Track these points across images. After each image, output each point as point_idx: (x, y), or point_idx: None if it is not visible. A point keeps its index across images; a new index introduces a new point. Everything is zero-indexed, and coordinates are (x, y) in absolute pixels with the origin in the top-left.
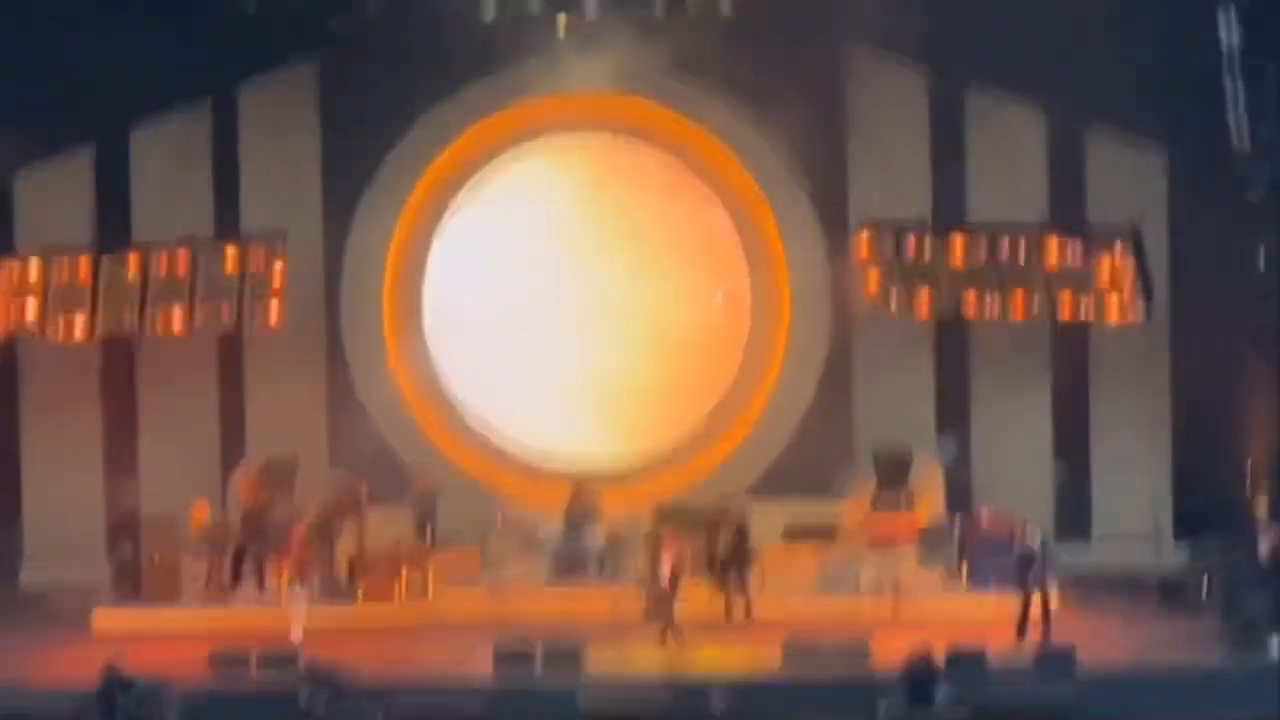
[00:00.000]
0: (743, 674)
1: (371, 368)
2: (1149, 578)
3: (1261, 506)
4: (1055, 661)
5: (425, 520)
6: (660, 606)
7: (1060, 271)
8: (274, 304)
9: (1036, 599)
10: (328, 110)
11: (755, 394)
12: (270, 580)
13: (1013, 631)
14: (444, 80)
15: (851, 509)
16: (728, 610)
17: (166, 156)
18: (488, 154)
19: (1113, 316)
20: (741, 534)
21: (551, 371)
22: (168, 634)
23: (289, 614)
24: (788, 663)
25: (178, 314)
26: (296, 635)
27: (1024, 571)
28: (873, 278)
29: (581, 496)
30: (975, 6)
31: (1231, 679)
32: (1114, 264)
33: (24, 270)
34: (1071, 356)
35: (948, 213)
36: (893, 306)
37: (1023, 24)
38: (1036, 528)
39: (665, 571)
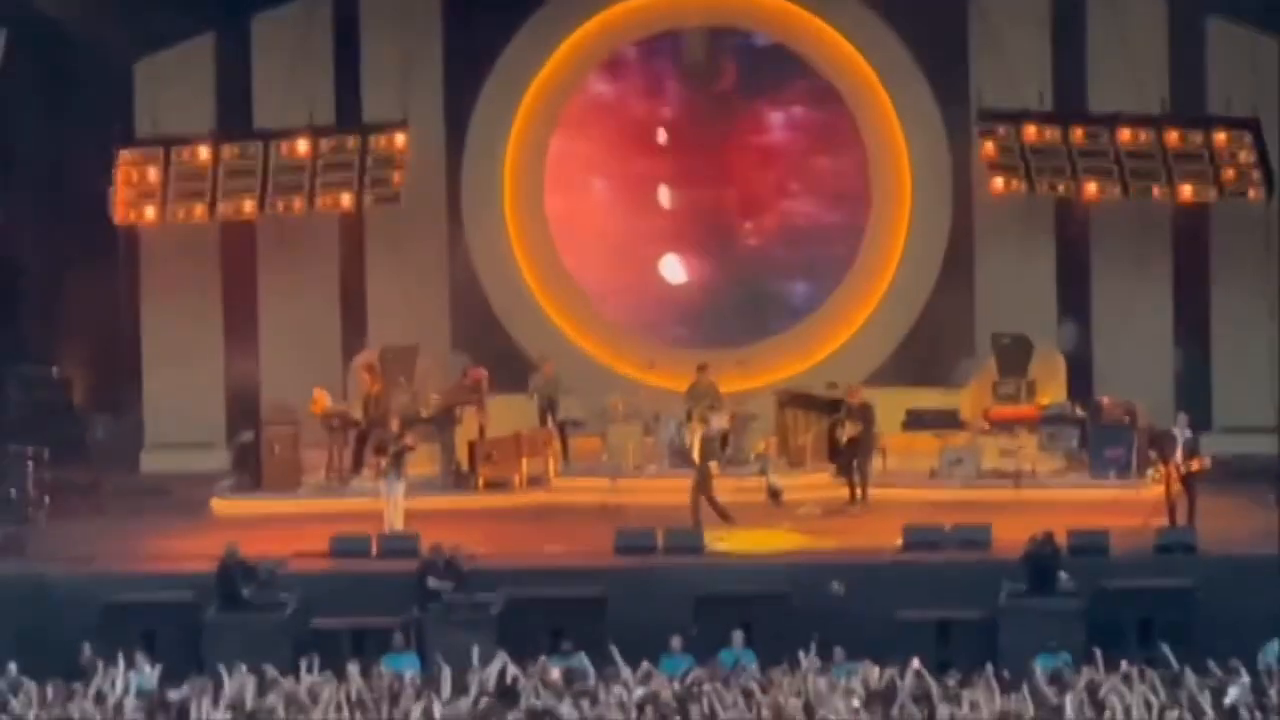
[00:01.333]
0: (864, 558)
1: (494, 254)
2: (1270, 466)
3: None
4: (1175, 548)
5: (547, 407)
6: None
7: (1180, 156)
8: (396, 175)
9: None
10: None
11: (876, 281)
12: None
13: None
14: None
15: (973, 397)
16: (851, 496)
17: (287, 44)
18: (608, 42)
19: (1233, 199)
20: (866, 420)
21: (672, 259)
22: (287, 521)
23: (386, 505)
24: (909, 548)
25: (299, 198)
26: (392, 525)
27: (1165, 451)
28: (993, 165)
29: (703, 381)
30: None
31: None
32: (1234, 150)
33: (145, 158)
34: (1192, 245)
35: (1068, 100)
36: (1013, 191)
37: None
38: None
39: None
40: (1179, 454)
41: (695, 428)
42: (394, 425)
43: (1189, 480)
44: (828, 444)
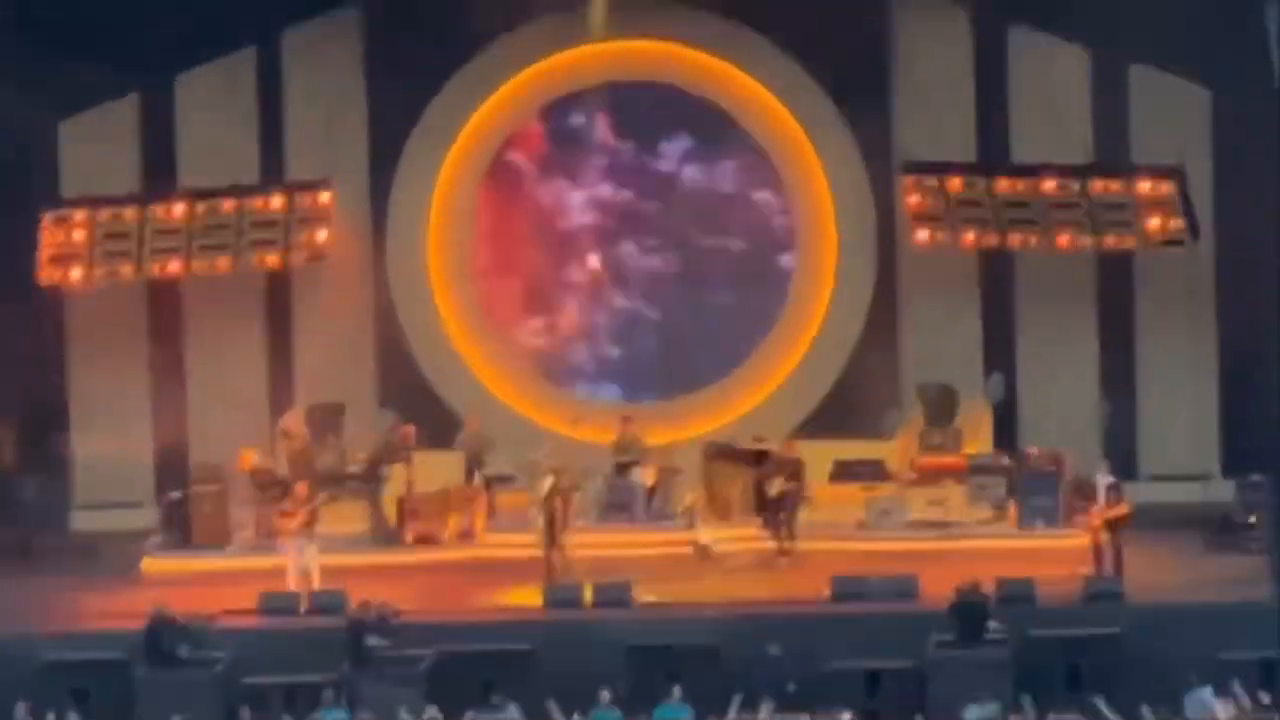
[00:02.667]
0: (793, 609)
1: (419, 311)
2: (1197, 514)
3: None
4: (1103, 597)
5: (474, 463)
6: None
7: (1104, 205)
8: (322, 234)
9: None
10: (372, 56)
11: (802, 333)
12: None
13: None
14: (488, 27)
15: (900, 448)
16: (779, 548)
17: (211, 103)
18: (532, 99)
19: (1157, 247)
20: (796, 475)
21: (598, 311)
22: (216, 578)
23: (294, 566)
24: (837, 598)
25: (224, 257)
26: (299, 585)
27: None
28: (918, 216)
29: (628, 433)
30: None
31: None
32: (1157, 199)
33: (70, 218)
34: (1117, 294)
35: (992, 151)
36: (938, 242)
37: None
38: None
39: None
40: (1101, 501)
41: (544, 481)
42: (302, 489)
43: (1112, 527)
44: (755, 496)
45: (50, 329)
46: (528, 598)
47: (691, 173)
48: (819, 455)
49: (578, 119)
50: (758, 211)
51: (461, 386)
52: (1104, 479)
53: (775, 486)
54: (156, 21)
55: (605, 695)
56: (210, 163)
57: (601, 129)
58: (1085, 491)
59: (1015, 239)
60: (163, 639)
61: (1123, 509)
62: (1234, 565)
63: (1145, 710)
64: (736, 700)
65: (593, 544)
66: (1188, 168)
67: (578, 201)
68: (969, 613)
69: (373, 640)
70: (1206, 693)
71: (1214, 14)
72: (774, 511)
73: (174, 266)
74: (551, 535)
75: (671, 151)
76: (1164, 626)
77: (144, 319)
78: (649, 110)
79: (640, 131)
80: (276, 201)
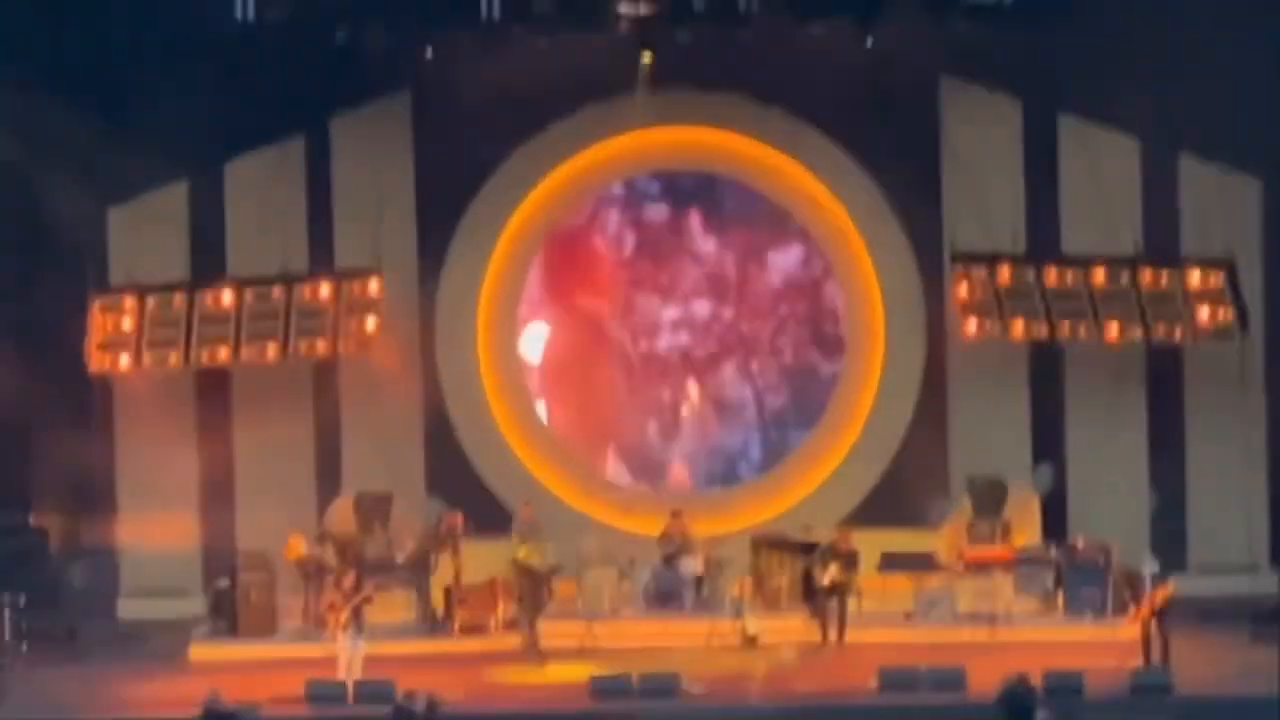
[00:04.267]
0: (840, 700)
1: (468, 398)
2: (1245, 606)
3: None
4: (1151, 689)
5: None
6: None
7: (1154, 297)
8: (371, 321)
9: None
10: (421, 143)
11: (851, 424)
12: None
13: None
14: (539, 115)
15: (947, 538)
16: (823, 637)
17: (260, 189)
18: (585, 185)
19: (1207, 339)
20: (852, 565)
21: (647, 401)
22: (264, 666)
23: (342, 655)
24: (884, 689)
25: (273, 345)
26: (346, 674)
27: (1135, 590)
28: (967, 307)
29: (676, 526)
30: (1068, 34)
31: None
32: (1208, 291)
33: (119, 305)
34: (1166, 385)
35: (1042, 242)
36: (987, 333)
37: (1116, 51)
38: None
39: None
40: (1148, 590)
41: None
42: (350, 579)
43: (1161, 616)
44: (804, 586)
45: (99, 416)
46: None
47: (743, 263)
48: (867, 545)
49: (627, 208)
50: (809, 302)
51: (510, 476)
52: (1149, 569)
53: (829, 575)
54: (206, 108)
55: None
56: (259, 250)
57: (651, 219)
58: (1132, 582)
59: (1064, 330)
60: None
61: (1168, 591)
62: None
63: None
64: None
65: (640, 634)
66: (1238, 258)
67: (623, 290)
68: (1017, 704)
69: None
70: None
71: (1264, 104)
72: (824, 600)
73: (222, 354)
74: (527, 615)
75: (722, 244)
76: (1211, 719)
77: (192, 406)
78: (698, 200)
79: (685, 220)
80: (325, 290)
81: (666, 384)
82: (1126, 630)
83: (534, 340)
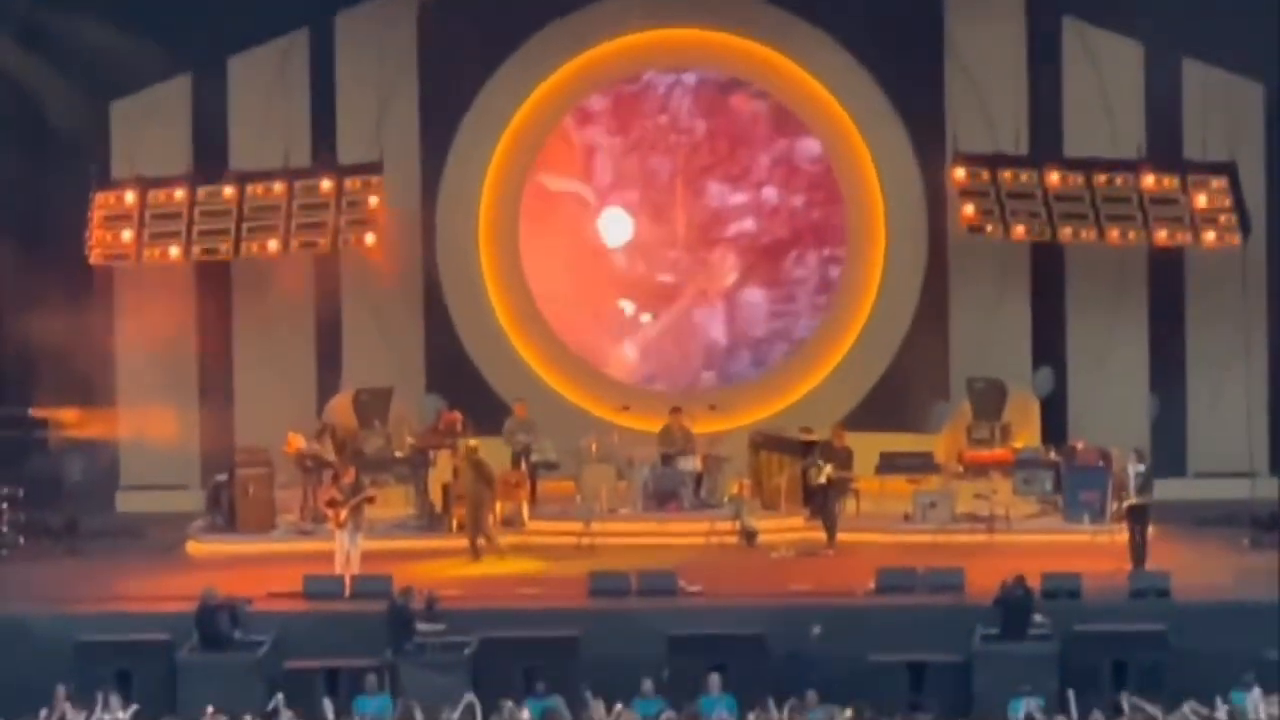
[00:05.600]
0: (837, 601)
1: (469, 296)
2: (1244, 512)
3: None
4: (1149, 592)
5: (521, 450)
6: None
7: (1156, 200)
8: (372, 218)
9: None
10: (425, 40)
11: (850, 325)
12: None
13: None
14: (542, 12)
15: (946, 440)
16: (829, 538)
17: (263, 85)
18: (587, 84)
19: (1209, 244)
20: (845, 463)
21: (648, 300)
22: (261, 561)
23: (339, 551)
24: (882, 591)
25: (274, 239)
26: (344, 569)
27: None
28: (969, 208)
29: (676, 424)
30: None
31: None
32: (1209, 194)
33: (120, 198)
34: (1168, 289)
35: (1044, 144)
36: (988, 235)
37: None
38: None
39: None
40: (1131, 491)
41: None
42: (350, 476)
43: (1137, 516)
44: (802, 486)
45: (99, 309)
46: (571, 585)
47: (742, 161)
48: (866, 447)
49: (631, 106)
50: (809, 202)
51: (510, 373)
52: (1134, 468)
53: (823, 474)
54: (210, 1)
55: (648, 685)
56: (261, 145)
57: (652, 116)
58: (1119, 481)
59: (1066, 232)
60: (216, 621)
61: (1146, 499)
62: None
63: (1189, 707)
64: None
65: (639, 532)
66: (1240, 163)
67: (627, 191)
68: (1014, 607)
69: (424, 627)
70: (1253, 691)
71: (1268, 8)
72: (820, 499)
73: (223, 248)
74: (474, 518)
75: (722, 139)
76: (1209, 624)
77: (193, 300)
78: (700, 97)
79: (691, 118)
80: (327, 185)
81: (665, 281)
82: (1126, 533)
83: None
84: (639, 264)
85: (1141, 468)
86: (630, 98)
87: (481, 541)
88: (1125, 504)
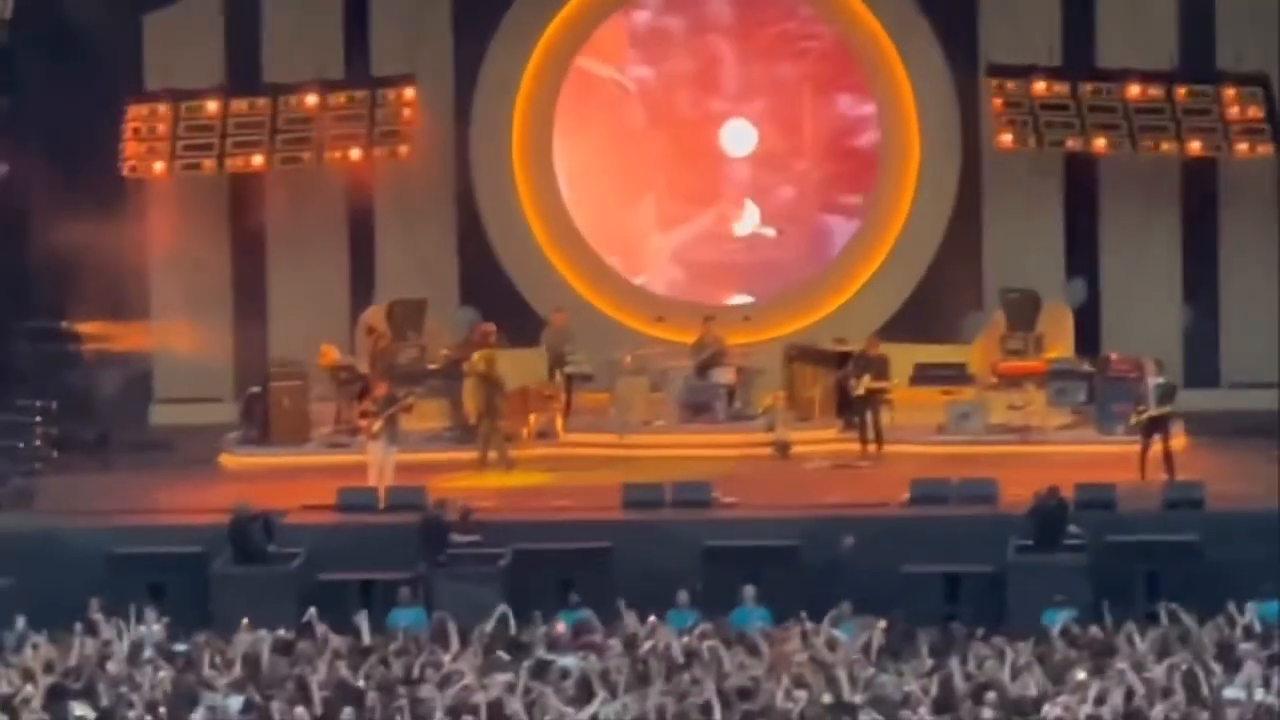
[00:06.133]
0: (871, 512)
1: (503, 208)
2: (1277, 421)
3: None
4: (1182, 503)
5: (556, 361)
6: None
7: (1189, 111)
8: (405, 129)
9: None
10: None
11: (884, 236)
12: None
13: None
14: None
15: (980, 351)
16: (863, 449)
17: None
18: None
19: (1242, 154)
20: (881, 372)
21: (681, 212)
22: (295, 474)
23: (373, 463)
24: (916, 502)
25: (307, 152)
26: (378, 481)
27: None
28: (1002, 119)
29: (710, 335)
30: None
31: None
32: (1243, 105)
33: (154, 111)
34: (1201, 199)
35: (1077, 55)
36: (1022, 146)
37: None
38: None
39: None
40: (1150, 403)
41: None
42: (384, 388)
43: (1155, 427)
44: (837, 397)
45: (132, 222)
46: (605, 497)
47: (778, 73)
48: (900, 358)
49: (663, 15)
50: (844, 113)
51: (544, 285)
52: (1153, 380)
53: (861, 385)
54: None
55: (683, 596)
56: (294, 57)
57: (687, 25)
58: (1139, 393)
59: (1099, 143)
60: (250, 534)
61: (1165, 410)
62: None
63: (1222, 617)
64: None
65: (672, 444)
66: (1273, 73)
67: (661, 99)
68: (1048, 518)
69: (459, 539)
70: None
71: None
72: (859, 410)
73: (256, 160)
74: (488, 425)
75: (759, 50)
76: (1243, 533)
77: (225, 213)
78: (735, 8)
79: (726, 29)
80: (360, 96)
81: (698, 191)
82: (1158, 445)
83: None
84: (676, 177)
85: (1161, 379)
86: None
87: (492, 455)
88: (1145, 415)
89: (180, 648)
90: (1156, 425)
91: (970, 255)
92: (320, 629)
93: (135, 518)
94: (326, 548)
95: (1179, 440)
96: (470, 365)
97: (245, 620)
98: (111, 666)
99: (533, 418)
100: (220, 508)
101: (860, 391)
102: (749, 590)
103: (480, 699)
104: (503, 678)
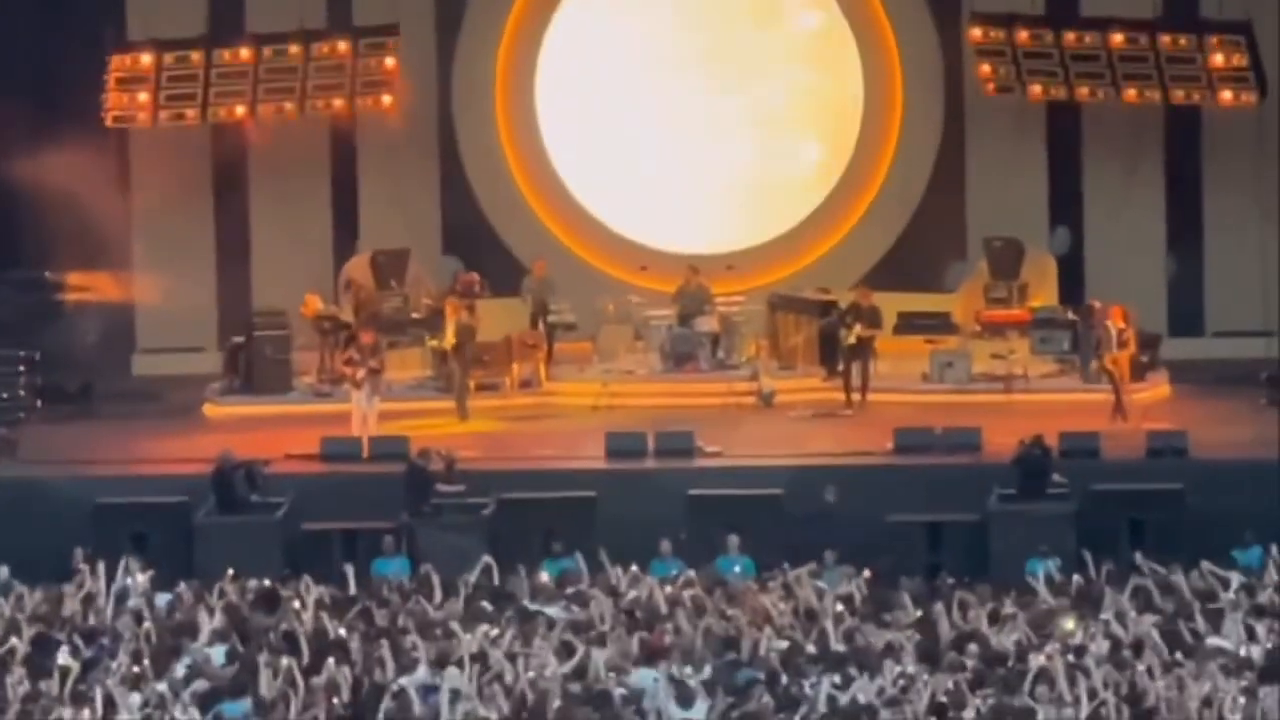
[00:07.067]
0: (855, 461)
1: (486, 157)
2: (1261, 370)
3: None
4: (1166, 452)
5: (539, 310)
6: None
7: (1173, 59)
8: (388, 79)
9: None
10: None
11: (868, 185)
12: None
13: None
14: None
15: (964, 300)
16: (847, 398)
17: None
18: None
19: (1225, 103)
20: (875, 322)
21: (665, 161)
22: (278, 423)
23: (357, 412)
24: (899, 451)
25: (290, 101)
26: (361, 430)
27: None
28: (985, 67)
29: (693, 282)
30: None
31: None
32: (1226, 53)
33: (137, 61)
34: (1184, 148)
35: (1060, 4)
36: (1005, 94)
37: None
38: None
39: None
40: (1114, 346)
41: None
42: (367, 336)
43: (1115, 372)
44: (821, 346)
45: (115, 172)
46: (588, 446)
47: (759, 20)
48: (884, 307)
49: None
50: (826, 63)
51: (526, 234)
52: (1115, 325)
53: (854, 333)
54: None
55: (666, 545)
56: (277, 7)
57: None
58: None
59: (1083, 92)
60: (233, 483)
61: (1125, 354)
62: None
63: (1205, 566)
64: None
65: (656, 393)
66: (1256, 21)
67: (644, 52)
68: (1032, 466)
69: (443, 488)
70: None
71: None
72: (849, 359)
73: (239, 110)
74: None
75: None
76: (1226, 482)
77: (209, 163)
78: None
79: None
80: (343, 46)
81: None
82: (1143, 393)
83: None
84: (658, 127)
85: (1122, 324)
86: None
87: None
88: (1107, 358)
89: (164, 597)
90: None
91: (954, 204)
92: (303, 579)
93: (118, 468)
94: (310, 497)
95: (1162, 389)
96: (450, 313)
97: (229, 570)
98: (95, 617)
99: (516, 366)
100: (204, 457)
101: (851, 340)
102: (733, 539)
103: (464, 649)
104: (486, 628)
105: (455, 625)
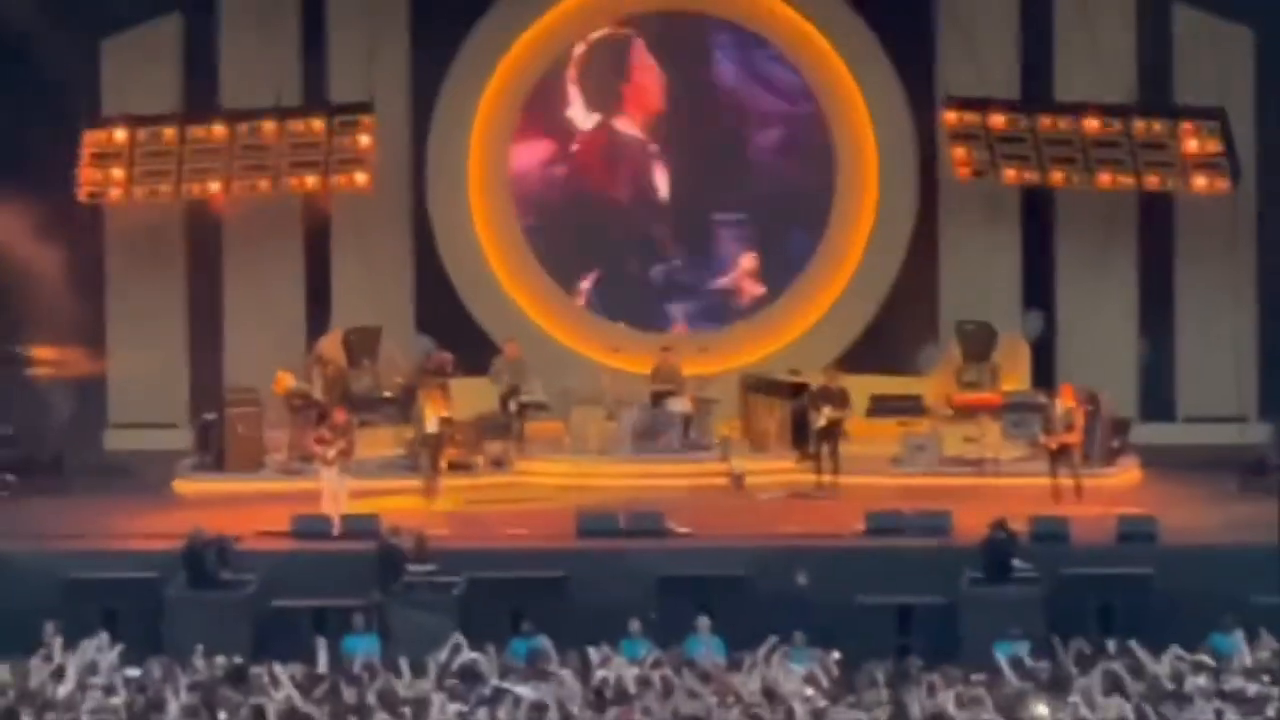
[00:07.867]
0: (826, 543)
1: (459, 236)
2: (1233, 457)
3: None
4: (1136, 537)
5: (510, 391)
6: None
7: (1146, 145)
8: (362, 158)
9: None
10: None
11: (841, 267)
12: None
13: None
14: None
15: (936, 383)
16: (818, 480)
17: (254, 24)
18: (576, 27)
19: (1199, 189)
20: (843, 403)
21: (639, 242)
22: (249, 500)
23: (328, 490)
24: (870, 533)
25: (264, 178)
26: (332, 509)
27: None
28: (960, 151)
29: (666, 364)
30: None
31: None
32: (1200, 140)
33: (111, 136)
34: (1158, 234)
35: (1035, 88)
36: (979, 178)
37: None
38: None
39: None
40: (1058, 428)
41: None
42: (339, 414)
43: (1059, 455)
44: (793, 429)
45: (89, 247)
46: (559, 525)
47: (733, 105)
48: (856, 389)
49: (619, 49)
50: (801, 145)
51: (499, 314)
52: (1061, 405)
53: (824, 416)
54: None
55: (635, 625)
56: (252, 84)
57: (642, 58)
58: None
59: (1057, 176)
60: (204, 559)
61: (1071, 437)
62: (1268, 509)
63: (1175, 650)
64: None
65: (627, 473)
66: (1230, 107)
67: (619, 133)
68: (995, 550)
69: (414, 568)
70: (1236, 636)
71: None
72: (819, 442)
73: (213, 187)
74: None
75: (712, 82)
76: (1197, 568)
77: (182, 239)
78: (691, 40)
79: (681, 62)
80: (317, 124)
81: (657, 222)
82: (1114, 478)
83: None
84: (633, 209)
85: (1070, 404)
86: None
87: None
88: (1050, 438)
89: (133, 673)
90: (1063, 451)
91: (927, 288)
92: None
93: (90, 542)
94: (281, 574)
95: (1133, 474)
96: (426, 401)
97: (199, 646)
98: (64, 691)
99: (487, 447)
100: (175, 533)
101: (822, 423)
102: (703, 620)
103: None
104: (455, 707)
105: (425, 703)
